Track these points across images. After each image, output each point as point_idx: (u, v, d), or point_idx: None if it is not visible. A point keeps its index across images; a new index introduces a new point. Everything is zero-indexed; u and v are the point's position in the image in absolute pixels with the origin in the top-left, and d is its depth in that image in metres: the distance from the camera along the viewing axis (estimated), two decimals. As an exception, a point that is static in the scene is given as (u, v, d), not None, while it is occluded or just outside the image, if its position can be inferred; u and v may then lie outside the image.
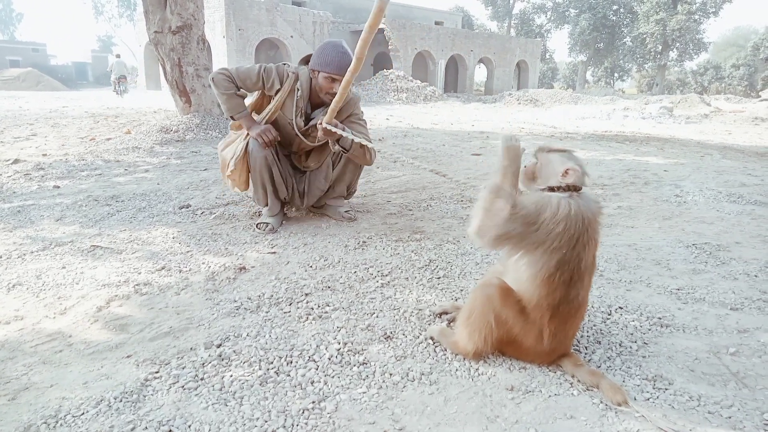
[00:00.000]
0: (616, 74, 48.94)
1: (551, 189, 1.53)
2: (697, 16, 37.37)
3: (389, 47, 26.50)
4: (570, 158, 1.55)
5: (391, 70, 23.67)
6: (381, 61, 29.09)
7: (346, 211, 3.34)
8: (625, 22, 42.56)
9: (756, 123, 12.61)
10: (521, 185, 1.63)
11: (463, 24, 40.77)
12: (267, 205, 3.15)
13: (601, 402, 1.48)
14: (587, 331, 1.90)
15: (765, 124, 12.33)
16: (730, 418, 1.42)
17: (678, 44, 38.87)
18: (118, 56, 21.27)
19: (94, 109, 12.51)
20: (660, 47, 38.81)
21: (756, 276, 2.45)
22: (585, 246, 1.48)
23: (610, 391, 1.49)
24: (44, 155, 5.70)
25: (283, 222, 3.25)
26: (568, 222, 1.45)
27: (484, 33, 38.00)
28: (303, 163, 3.27)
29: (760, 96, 26.71)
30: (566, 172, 1.50)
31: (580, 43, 42.89)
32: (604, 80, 49.13)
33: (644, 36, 38.97)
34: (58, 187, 4.25)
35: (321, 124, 2.66)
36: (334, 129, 2.66)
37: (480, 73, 38.16)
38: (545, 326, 1.55)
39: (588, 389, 1.54)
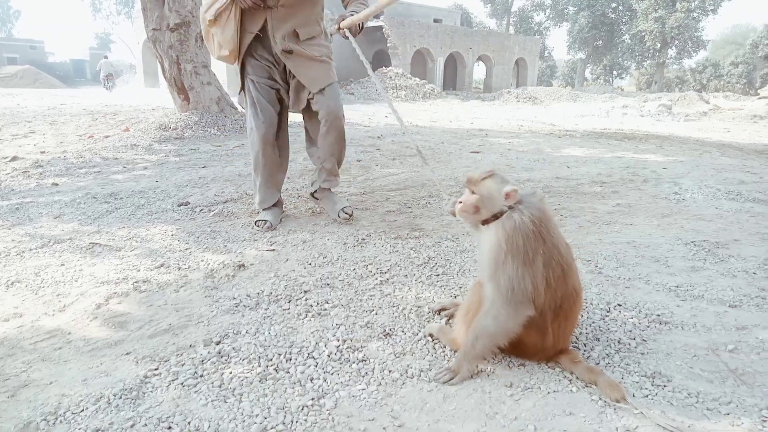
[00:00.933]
0: (614, 72, 48.94)
1: (495, 216, 1.57)
2: (695, 14, 37.38)
3: (388, 45, 26.47)
4: (502, 181, 1.58)
5: (390, 68, 23.66)
6: (379, 59, 29.04)
7: (343, 209, 3.21)
8: (623, 20, 42.57)
9: (754, 120, 12.62)
10: (466, 220, 1.68)
11: (461, 21, 40.74)
12: (260, 196, 3.14)
13: (600, 399, 1.48)
14: (586, 329, 1.90)
15: (763, 122, 12.35)
16: (728, 414, 1.43)
17: (677, 42, 38.88)
18: (105, 57, 24.50)
19: (93, 106, 12.49)
20: (659, 45, 38.80)
21: (754, 273, 2.45)
22: (551, 233, 1.54)
23: (608, 388, 1.49)
24: (42, 153, 5.69)
25: (282, 219, 3.24)
26: (528, 228, 1.50)
27: (482, 31, 37.98)
28: (277, 34, 2.89)
29: (758, 94, 26.72)
30: (507, 195, 1.54)
31: (578, 40, 42.90)
32: (602, 78, 49.12)
33: (643, 34, 38.95)
34: (57, 184, 4.25)
35: (340, 28, 2.81)
36: (348, 35, 2.80)
37: (479, 71, 38.16)
38: (548, 327, 1.56)
39: (587, 386, 1.55)
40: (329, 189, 3.34)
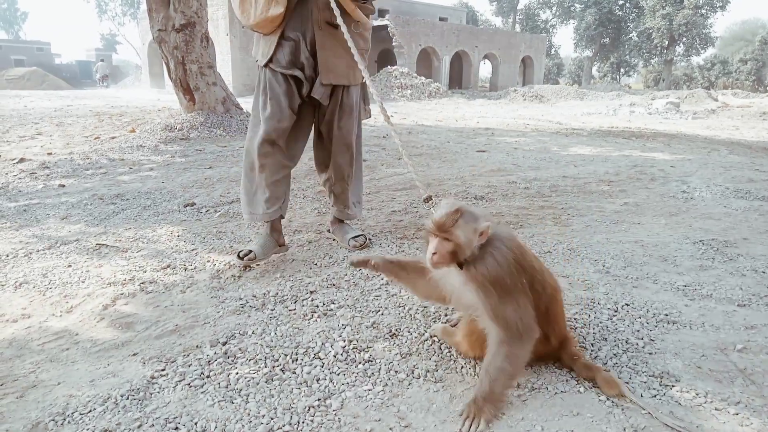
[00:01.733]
0: (622, 70, 48.73)
1: (468, 259, 1.43)
2: (703, 11, 37.16)
3: (393, 44, 26.45)
4: (473, 218, 1.42)
5: (395, 67, 23.63)
6: (385, 58, 29.04)
7: (353, 237, 2.79)
8: (630, 17, 42.36)
9: (764, 118, 12.52)
10: (446, 268, 1.47)
11: (467, 20, 40.71)
12: (251, 205, 2.59)
13: (608, 399, 1.47)
14: (593, 329, 1.89)
15: (772, 119, 12.23)
16: (737, 414, 1.41)
17: (685, 39, 38.69)
18: (102, 60, 28.38)
19: (99, 107, 12.55)
20: (666, 42, 38.62)
21: (764, 272, 2.43)
22: (525, 256, 1.51)
23: (605, 385, 1.49)
24: (49, 154, 5.73)
25: (279, 257, 2.65)
26: (510, 263, 1.44)
27: (488, 29, 37.95)
28: None
29: (767, 90, 26.50)
30: (482, 234, 1.41)
31: (585, 38, 42.74)
32: (610, 76, 48.89)
33: (650, 31, 38.76)
34: (64, 185, 4.28)
35: None
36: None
37: (485, 69, 38.09)
38: (548, 333, 1.56)
39: (594, 386, 1.54)
40: (341, 220, 2.93)
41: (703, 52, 40.69)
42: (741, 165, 5.35)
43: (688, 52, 40.76)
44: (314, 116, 2.73)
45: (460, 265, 1.44)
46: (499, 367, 1.43)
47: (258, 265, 2.51)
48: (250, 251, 2.46)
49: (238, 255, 2.46)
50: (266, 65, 2.51)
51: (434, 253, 1.40)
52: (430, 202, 1.80)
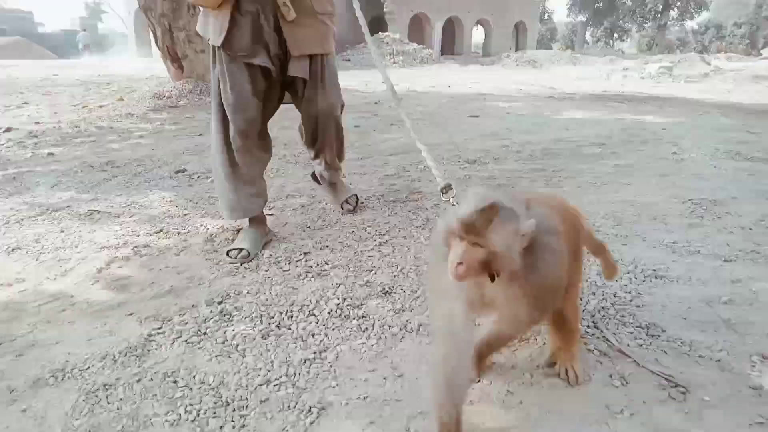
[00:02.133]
0: (615, 34, 48.09)
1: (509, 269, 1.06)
2: (699, -27, 36.56)
3: (385, 10, 25.91)
4: (513, 215, 1.03)
5: (387, 34, 23.21)
6: (376, 25, 28.47)
7: (346, 200, 2.76)
8: (625, -19, 41.65)
9: (756, 81, 12.45)
10: (476, 284, 1.12)
11: (459, -16, 39.78)
12: (232, 202, 2.31)
13: (595, 348, 1.51)
14: (582, 284, 1.92)
15: (765, 82, 12.17)
16: (719, 361, 1.46)
17: (679, 3, 38.11)
18: (84, 30, 31.91)
19: (86, 77, 12.30)
20: (660, 6, 38.07)
21: (751, 229, 2.47)
22: (560, 219, 1.23)
23: (606, 267, 1.59)
24: (37, 123, 5.64)
25: (269, 243, 2.39)
26: (559, 249, 1.14)
27: (481, -7, 37.13)
28: None
29: (761, 54, 26.33)
30: (524, 235, 1.03)
31: (579, 2, 42.04)
32: (603, 41, 48.29)
33: (645, -6, 38.18)
34: (53, 154, 4.23)
35: None
36: None
37: (477, 35, 37.49)
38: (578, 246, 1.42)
39: (581, 338, 1.58)
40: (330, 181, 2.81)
41: (698, 16, 40.23)
42: (733, 127, 5.36)
43: (682, 17, 40.27)
44: (281, 97, 2.44)
45: (492, 277, 1.07)
46: (502, 334, 1.34)
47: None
48: (242, 249, 2.21)
49: (228, 254, 2.21)
50: (222, 47, 2.14)
51: (459, 263, 1.00)
52: (450, 192, 1.46)
